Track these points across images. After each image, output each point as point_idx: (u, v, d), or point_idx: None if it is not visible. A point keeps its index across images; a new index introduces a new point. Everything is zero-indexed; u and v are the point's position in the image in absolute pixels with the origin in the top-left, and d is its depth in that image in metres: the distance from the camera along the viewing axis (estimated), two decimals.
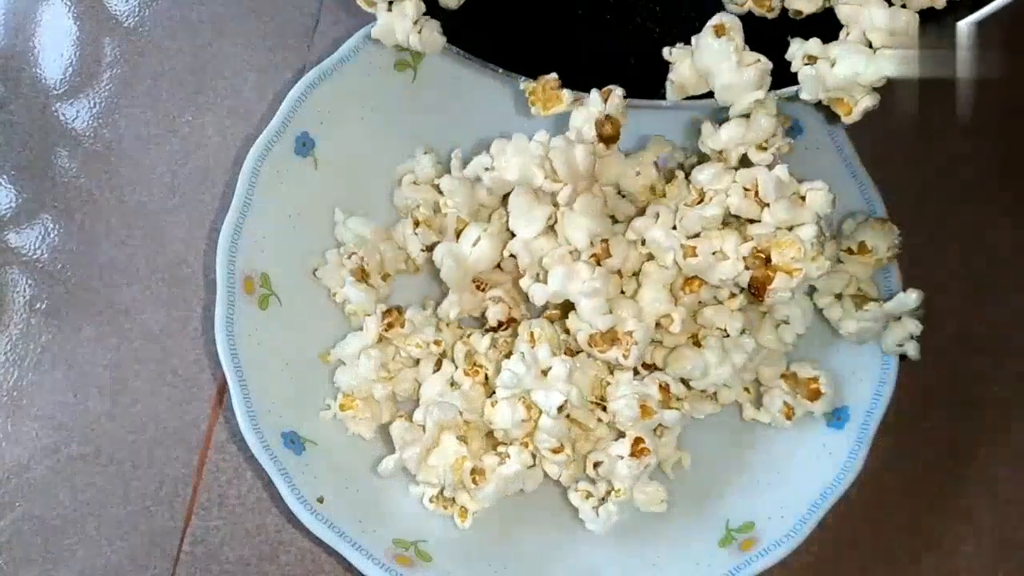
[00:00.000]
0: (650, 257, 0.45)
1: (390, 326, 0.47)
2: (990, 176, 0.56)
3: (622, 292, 0.45)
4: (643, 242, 0.44)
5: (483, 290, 0.48)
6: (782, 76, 0.42)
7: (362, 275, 0.48)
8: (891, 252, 0.46)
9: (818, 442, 0.47)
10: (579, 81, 0.44)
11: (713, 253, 0.42)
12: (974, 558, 0.50)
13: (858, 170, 0.48)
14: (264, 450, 0.44)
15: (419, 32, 0.44)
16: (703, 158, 0.46)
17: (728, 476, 0.48)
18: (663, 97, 0.45)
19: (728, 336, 0.45)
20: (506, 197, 0.45)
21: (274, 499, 0.50)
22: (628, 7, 0.47)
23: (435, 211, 0.50)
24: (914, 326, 0.44)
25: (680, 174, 0.46)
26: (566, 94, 0.43)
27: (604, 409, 0.45)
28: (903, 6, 0.40)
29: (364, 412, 0.47)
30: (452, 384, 0.47)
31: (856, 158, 0.48)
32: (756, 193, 0.42)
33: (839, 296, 0.46)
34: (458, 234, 0.47)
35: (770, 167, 0.42)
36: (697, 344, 0.45)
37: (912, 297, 0.44)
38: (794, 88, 0.42)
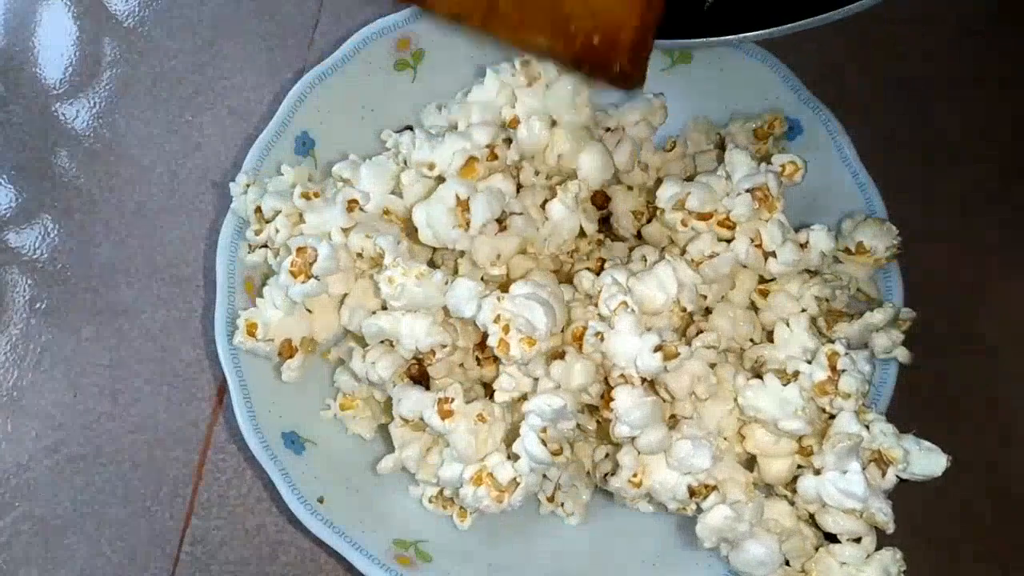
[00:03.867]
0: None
1: None
2: (990, 177, 0.56)
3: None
4: None
5: None
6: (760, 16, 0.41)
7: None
8: (890, 252, 0.45)
9: None
10: None
11: None
12: (976, 558, 0.50)
13: (858, 170, 0.48)
14: (264, 450, 0.44)
15: None
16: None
17: None
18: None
19: None
20: None
21: (274, 499, 0.50)
22: None
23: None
24: (896, 335, 0.44)
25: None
26: None
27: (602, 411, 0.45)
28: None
29: (364, 412, 0.47)
30: None
31: (856, 158, 0.48)
32: (760, 244, 0.42)
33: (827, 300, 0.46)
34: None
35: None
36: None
37: (877, 317, 0.43)
38: (772, 30, 0.41)
